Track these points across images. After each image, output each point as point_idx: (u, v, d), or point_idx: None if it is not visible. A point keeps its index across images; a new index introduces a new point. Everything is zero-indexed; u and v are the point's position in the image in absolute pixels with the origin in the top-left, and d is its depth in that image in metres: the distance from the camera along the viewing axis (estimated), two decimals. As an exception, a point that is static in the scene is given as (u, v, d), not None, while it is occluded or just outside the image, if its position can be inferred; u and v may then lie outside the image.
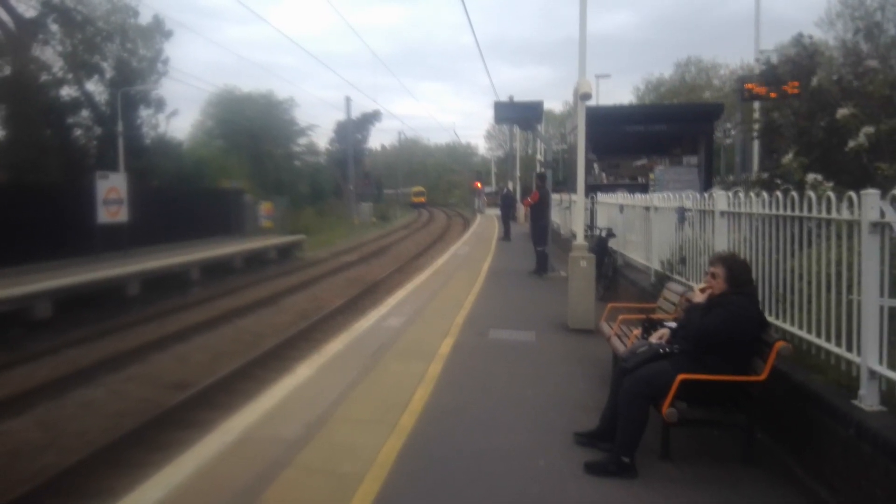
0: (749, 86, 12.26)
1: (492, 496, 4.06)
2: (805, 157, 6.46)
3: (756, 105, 13.02)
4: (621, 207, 11.74)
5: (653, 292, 8.37)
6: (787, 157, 6.38)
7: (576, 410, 5.55)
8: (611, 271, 11.26)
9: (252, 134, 44.98)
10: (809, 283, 4.56)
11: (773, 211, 5.10)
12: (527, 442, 4.91)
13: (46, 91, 27.08)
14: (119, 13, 30.43)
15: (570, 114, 31.21)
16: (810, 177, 5.47)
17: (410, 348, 7.85)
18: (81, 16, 28.19)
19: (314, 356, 7.60)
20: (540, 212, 14.77)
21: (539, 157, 31.95)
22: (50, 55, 28.25)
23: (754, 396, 4.43)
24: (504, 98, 21.48)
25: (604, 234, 11.92)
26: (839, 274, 4.19)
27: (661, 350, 4.62)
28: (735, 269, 4.58)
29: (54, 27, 27.72)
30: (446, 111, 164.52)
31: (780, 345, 4.22)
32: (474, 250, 21.20)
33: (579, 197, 9.87)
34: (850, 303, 4.05)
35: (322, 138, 65.60)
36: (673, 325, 5.08)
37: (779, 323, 5.04)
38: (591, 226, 13.46)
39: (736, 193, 6.20)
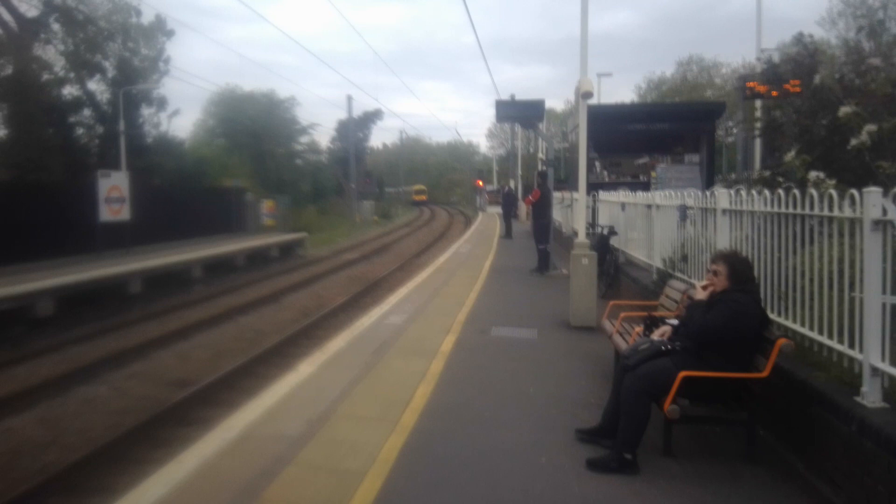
0: (751, 84, 12.26)
1: (494, 493, 4.06)
2: (807, 155, 6.44)
3: (758, 103, 13.01)
4: (623, 205, 11.73)
5: (654, 290, 8.37)
6: (789, 155, 6.37)
7: (578, 407, 5.56)
8: (612, 269, 11.26)
9: (254, 133, 44.98)
10: (811, 280, 4.56)
11: (775, 209, 5.09)
12: (529, 439, 4.92)
13: (48, 90, 27.08)
14: (120, 12, 30.39)
15: (571, 112, 31.19)
16: (812, 175, 5.46)
17: (412, 346, 7.86)
18: (83, 15, 28.17)
19: (316, 353, 7.60)
20: (541, 210, 14.76)
21: (541, 155, 31.96)
22: (52, 54, 28.26)
23: (756, 393, 4.44)
24: (506, 97, 21.50)
25: (605, 232, 11.92)
26: (841, 271, 4.19)
27: (662, 347, 4.62)
28: (737, 267, 4.58)
29: (56, 26, 27.70)
30: (448, 110, 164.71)
31: (782, 342, 4.22)
32: (476, 248, 21.19)
33: (581, 195, 9.87)
34: (852, 300, 4.05)
35: (324, 137, 65.77)
36: (675, 322, 5.08)
37: (781, 320, 5.04)
38: (592, 224, 13.46)
39: (738, 191, 6.19)
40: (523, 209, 33.42)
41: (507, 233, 25.43)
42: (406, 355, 7.39)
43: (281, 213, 32.87)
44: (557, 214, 21.19)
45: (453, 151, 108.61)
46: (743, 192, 6.01)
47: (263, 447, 4.70)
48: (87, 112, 29.01)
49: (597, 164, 16.70)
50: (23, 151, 23.51)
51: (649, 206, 9.86)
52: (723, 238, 6.37)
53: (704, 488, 4.10)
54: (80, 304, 14.69)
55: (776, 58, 10.76)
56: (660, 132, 16.03)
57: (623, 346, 5.65)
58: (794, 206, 4.79)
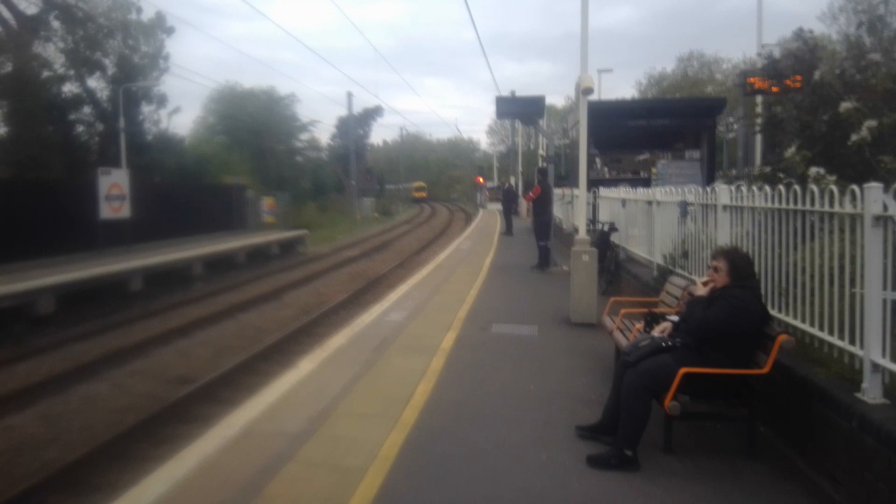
0: (751, 80, 12.22)
1: (494, 490, 4.06)
2: (807, 150, 6.43)
3: (758, 99, 12.97)
4: (623, 202, 11.73)
5: (655, 286, 8.37)
6: (790, 151, 6.36)
7: (578, 404, 5.56)
8: (613, 265, 11.25)
9: (254, 130, 44.92)
10: (812, 276, 4.56)
11: (776, 205, 5.09)
12: (529, 436, 4.92)
13: (48, 88, 27.04)
14: (120, 9, 30.34)
15: (571, 108, 31.18)
16: (813, 170, 5.45)
17: (413, 343, 7.86)
18: (83, 12, 28.12)
19: (317, 350, 7.61)
20: (542, 206, 14.75)
21: (541, 151, 31.96)
22: (51, 52, 28.24)
23: (757, 390, 4.44)
24: (506, 93, 21.47)
25: (606, 228, 11.91)
26: (842, 267, 4.18)
27: (663, 344, 4.62)
28: (737, 263, 4.58)
29: (56, 24, 27.67)
30: (448, 106, 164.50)
31: (782, 338, 4.22)
32: (476, 245, 21.19)
33: (581, 191, 9.86)
34: (852, 296, 4.05)
35: (324, 134, 65.88)
36: (675, 318, 5.08)
37: (781, 316, 5.04)
38: (593, 220, 13.45)
39: (738, 187, 6.19)
40: (524, 206, 33.40)
41: (508, 229, 25.42)
42: (407, 352, 7.40)
43: (281, 210, 32.87)
44: (558, 211, 21.19)
45: (454, 148, 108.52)
46: (743, 189, 6.00)
47: (264, 444, 4.70)
48: (87, 109, 28.99)
49: (597, 160, 16.69)
50: (23, 149, 23.50)
51: (650, 203, 9.85)
52: (723, 234, 6.36)
53: (705, 485, 4.11)
54: (81, 301, 14.70)
55: (777, 53, 10.71)
56: (660, 128, 16.00)
57: (623, 342, 5.64)
58: (795, 202, 4.78)
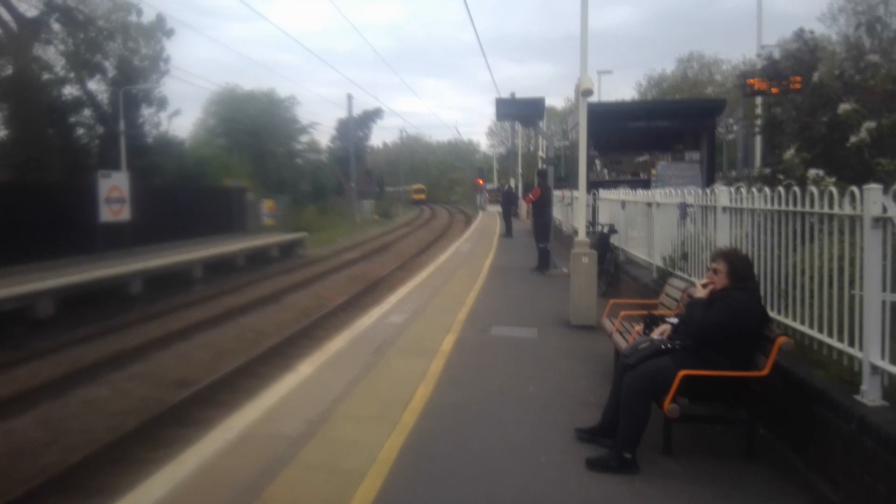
0: (751, 81, 12.22)
1: (493, 492, 4.06)
2: (807, 152, 6.44)
3: (758, 100, 12.98)
4: (623, 203, 11.72)
5: (654, 288, 8.36)
6: (789, 153, 6.36)
7: (577, 407, 5.56)
8: (613, 268, 11.25)
9: (254, 132, 44.99)
10: (811, 278, 4.55)
11: (775, 206, 5.09)
12: (529, 438, 4.91)
13: (48, 90, 27.12)
14: (120, 11, 30.42)
15: (571, 110, 31.21)
16: (812, 172, 5.46)
17: (412, 345, 7.85)
18: (83, 15, 28.19)
19: (316, 353, 7.61)
20: (542, 208, 14.75)
21: (541, 153, 31.98)
22: (52, 54, 28.34)
23: (756, 392, 4.43)
24: (506, 95, 21.46)
25: (606, 230, 11.90)
26: (841, 269, 4.18)
27: (662, 346, 4.61)
28: (737, 265, 4.58)
29: (56, 26, 27.76)
30: (448, 108, 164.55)
31: (781, 340, 4.21)
32: (476, 247, 21.19)
33: (581, 193, 9.85)
34: (852, 298, 4.04)
35: (324, 136, 65.75)
36: (674, 321, 5.07)
37: (781, 318, 5.04)
38: (592, 222, 13.46)
39: (738, 189, 6.19)
40: (523, 208, 33.41)
41: (508, 231, 25.42)
42: (406, 355, 7.39)
43: (281, 212, 32.87)
44: (558, 213, 21.20)
45: (453, 150, 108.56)
46: (743, 190, 6.00)
47: (264, 447, 4.70)
48: (87, 112, 29.07)
49: (597, 162, 16.69)
50: (23, 152, 23.55)
51: (649, 204, 9.85)
52: (723, 236, 6.36)
53: (704, 487, 4.10)
54: (81, 304, 14.70)
55: (777, 54, 10.74)
56: (660, 130, 16.00)
57: (623, 344, 5.64)
58: (795, 204, 4.78)
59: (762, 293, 5.09)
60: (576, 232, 10.27)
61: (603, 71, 35.72)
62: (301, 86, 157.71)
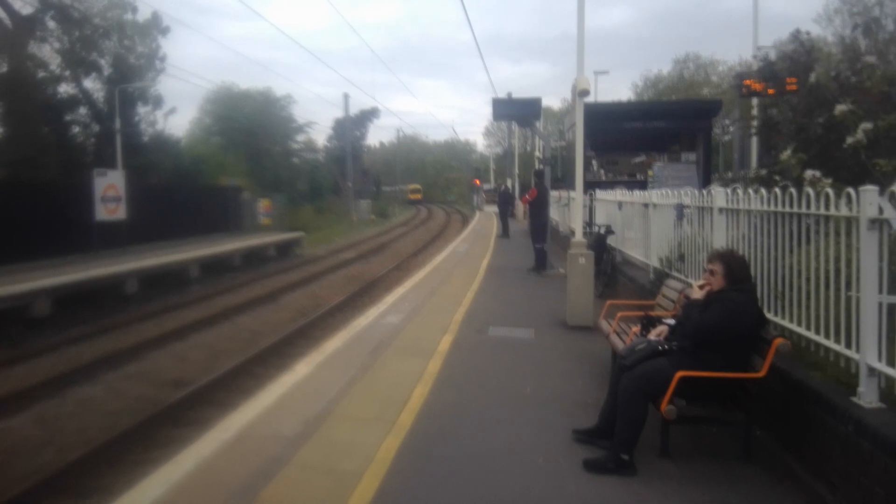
0: (747, 82, 12.25)
1: (491, 494, 4.06)
2: (803, 153, 6.44)
3: (754, 101, 13.01)
4: (620, 204, 11.74)
5: (651, 289, 8.38)
6: (786, 154, 6.37)
7: (575, 408, 5.56)
8: (609, 268, 11.26)
9: (250, 131, 44.90)
10: (808, 279, 4.56)
11: (772, 207, 5.10)
12: (526, 439, 4.91)
13: (44, 88, 27.00)
14: (116, 9, 30.31)
15: (568, 110, 31.21)
16: (808, 173, 5.46)
17: (409, 346, 7.85)
18: (79, 13, 28.08)
19: (313, 354, 7.60)
20: (538, 209, 14.76)
21: (537, 153, 32.00)
22: (47, 52, 28.18)
23: (753, 393, 4.44)
24: (502, 95, 21.42)
25: (602, 231, 11.92)
26: (838, 270, 4.19)
27: (659, 347, 4.62)
28: (733, 266, 4.58)
29: (51, 24, 27.63)
30: (445, 108, 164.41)
31: (778, 342, 4.22)
32: (473, 247, 21.19)
33: (578, 194, 9.86)
34: (848, 299, 4.05)
35: (320, 135, 65.84)
36: (671, 322, 5.08)
37: (777, 320, 5.05)
38: (589, 223, 13.47)
39: (734, 190, 6.19)
40: (520, 208, 33.43)
41: (504, 232, 25.42)
42: (403, 355, 7.39)
43: (277, 211, 32.82)
44: (554, 213, 21.20)
45: (450, 150, 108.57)
46: (739, 191, 6.01)
47: (260, 448, 4.69)
48: (82, 110, 28.96)
49: (594, 162, 16.71)
50: (18, 150, 23.43)
51: (646, 205, 9.86)
52: (719, 237, 6.37)
53: (701, 489, 4.11)
54: (77, 303, 14.65)
55: (773, 55, 10.75)
56: (657, 130, 16.04)
57: (620, 345, 5.65)
58: (791, 205, 4.79)
59: (759, 294, 5.10)
60: (572, 232, 10.29)
61: (600, 71, 35.87)
62: (298, 85, 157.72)
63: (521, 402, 5.83)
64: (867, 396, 3.80)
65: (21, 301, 13.22)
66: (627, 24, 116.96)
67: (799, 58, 8.62)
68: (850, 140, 5.71)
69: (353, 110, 55.41)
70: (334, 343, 7.98)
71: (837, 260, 4.21)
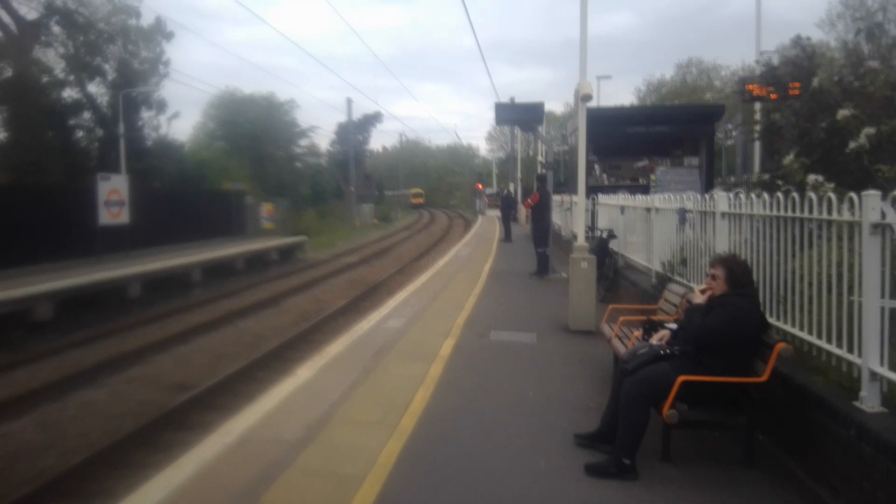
0: (750, 87, 12.26)
1: (492, 498, 4.05)
2: (806, 158, 6.44)
3: (757, 106, 13.00)
4: (622, 209, 11.73)
5: (654, 294, 8.36)
6: (788, 159, 6.37)
7: (576, 412, 5.55)
8: (612, 273, 11.25)
9: (253, 136, 45.01)
10: (810, 284, 4.56)
11: (774, 212, 5.09)
12: (527, 443, 4.91)
13: (48, 93, 27.11)
14: (120, 15, 30.45)
15: (571, 115, 31.23)
16: (811, 178, 5.45)
17: (411, 350, 7.85)
18: (83, 18, 28.20)
19: (315, 358, 7.60)
20: (541, 213, 14.76)
21: (540, 158, 31.97)
22: (51, 57, 28.34)
23: (755, 398, 4.43)
24: (505, 99, 21.48)
25: (605, 235, 11.91)
26: (840, 275, 4.18)
27: (661, 351, 4.62)
28: (735, 271, 4.58)
29: (56, 29, 27.77)
30: (447, 113, 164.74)
31: (780, 346, 4.22)
32: (475, 252, 21.20)
33: (580, 198, 9.86)
34: (850, 304, 4.04)
35: (323, 140, 65.84)
36: (674, 326, 5.08)
37: (779, 324, 5.04)
38: (591, 227, 13.46)
39: (737, 194, 6.19)
40: (523, 212, 33.44)
41: (507, 236, 25.42)
42: (405, 359, 7.39)
43: (280, 216, 32.90)
44: (557, 218, 21.20)
45: (453, 154, 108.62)
46: (742, 196, 6.01)
47: (262, 451, 4.69)
48: (86, 115, 29.07)
49: (596, 167, 16.71)
50: (22, 154, 23.54)
51: (648, 210, 9.86)
52: (722, 241, 6.37)
53: (703, 493, 4.10)
54: (80, 307, 14.68)
55: (775, 60, 10.74)
56: (659, 135, 16.04)
57: (622, 350, 5.64)
58: (793, 210, 4.78)
59: (761, 299, 5.10)
60: (575, 237, 10.28)
61: (602, 76, 35.82)
62: (301, 90, 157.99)
63: (522, 406, 5.82)
64: (869, 401, 3.79)
65: (24, 305, 13.25)
66: (630, 29, 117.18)
67: (801, 63, 8.60)
68: (852, 145, 5.71)
69: (357, 115, 55.60)
70: (336, 347, 7.98)
71: (840, 264, 4.21)
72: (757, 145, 13.30)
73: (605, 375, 6.43)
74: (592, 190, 14.32)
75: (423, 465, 4.52)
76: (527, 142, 51.27)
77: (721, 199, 6.49)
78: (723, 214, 6.41)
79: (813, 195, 4.57)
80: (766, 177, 7.47)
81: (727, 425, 4.69)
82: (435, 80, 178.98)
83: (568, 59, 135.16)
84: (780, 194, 5.05)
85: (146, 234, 21.49)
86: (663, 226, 9.02)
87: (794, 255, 4.84)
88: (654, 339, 4.99)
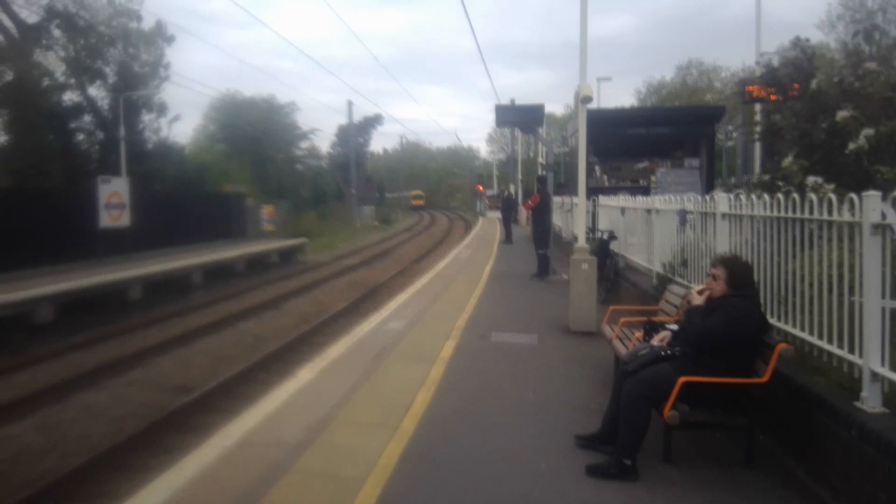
0: (750, 88, 12.26)
1: (493, 499, 4.06)
2: (806, 159, 6.44)
3: (757, 107, 13.00)
4: (623, 210, 11.73)
5: (654, 295, 8.36)
6: (788, 160, 6.37)
7: (577, 413, 5.55)
8: (612, 274, 11.25)
9: (254, 138, 45.05)
10: (811, 284, 4.56)
11: (775, 213, 5.10)
12: (528, 445, 4.91)
13: (49, 96, 27.15)
14: (121, 18, 30.49)
15: (571, 117, 31.24)
16: (811, 179, 5.46)
17: (412, 351, 7.85)
18: (84, 21, 28.26)
19: (316, 359, 7.60)
20: (541, 215, 14.76)
21: (540, 159, 31.98)
22: (52, 60, 28.40)
23: (756, 399, 4.43)
24: (505, 101, 21.53)
25: (605, 236, 11.91)
26: (840, 276, 4.18)
27: (662, 352, 4.62)
28: (736, 271, 4.58)
29: (57, 32, 27.82)
30: (448, 115, 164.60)
31: (781, 347, 4.21)
32: (476, 253, 21.20)
33: (581, 200, 9.87)
34: (851, 305, 4.05)
35: (324, 142, 65.98)
36: (674, 327, 5.07)
37: (780, 325, 5.04)
38: (592, 228, 13.45)
39: (737, 196, 6.19)
40: (523, 214, 33.45)
41: (507, 238, 25.43)
42: (406, 361, 7.39)
43: (281, 218, 32.90)
44: (557, 219, 21.20)
45: (453, 156, 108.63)
46: (742, 197, 6.01)
47: (263, 454, 4.69)
48: (87, 118, 29.11)
49: (596, 168, 16.71)
50: (23, 157, 23.56)
51: (649, 211, 9.86)
52: (722, 242, 6.37)
53: (704, 494, 4.10)
54: (80, 310, 14.67)
55: (775, 62, 10.73)
56: (659, 136, 16.04)
57: (623, 351, 5.64)
58: (794, 211, 4.79)
59: (762, 300, 5.10)
60: (575, 238, 10.28)
61: (602, 78, 35.72)
62: (301, 92, 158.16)
63: (523, 407, 5.82)
64: (870, 401, 3.79)
65: (24, 308, 13.23)
66: (630, 31, 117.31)
67: (801, 64, 8.60)
68: (852, 146, 5.71)
69: (357, 117, 55.67)
70: (337, 349, 7.98)
71: (840, 265, 4.21)
72: (757, 146, 13.29)
73: (606, 376, 6.43)
74: (593, 191, 14.31)
75: (424, 466, 4.52)
76: (527, 143, 51.29)
77: (721, 201, 6.50)
78: (723, 215, 6.41)
79: (813, 196, 4.57)
80: (767, 178, 7.46)
81: (728, 426, 4.69)
82: (435, 82, 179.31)
83: (568, 61, 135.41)
84: (780, 195, 5.05)
85: (147, 236, 21.49)
86: (664, 227, 9.02)
87: (794, 256, 4.84)
88: (655, 340, 4.99)
